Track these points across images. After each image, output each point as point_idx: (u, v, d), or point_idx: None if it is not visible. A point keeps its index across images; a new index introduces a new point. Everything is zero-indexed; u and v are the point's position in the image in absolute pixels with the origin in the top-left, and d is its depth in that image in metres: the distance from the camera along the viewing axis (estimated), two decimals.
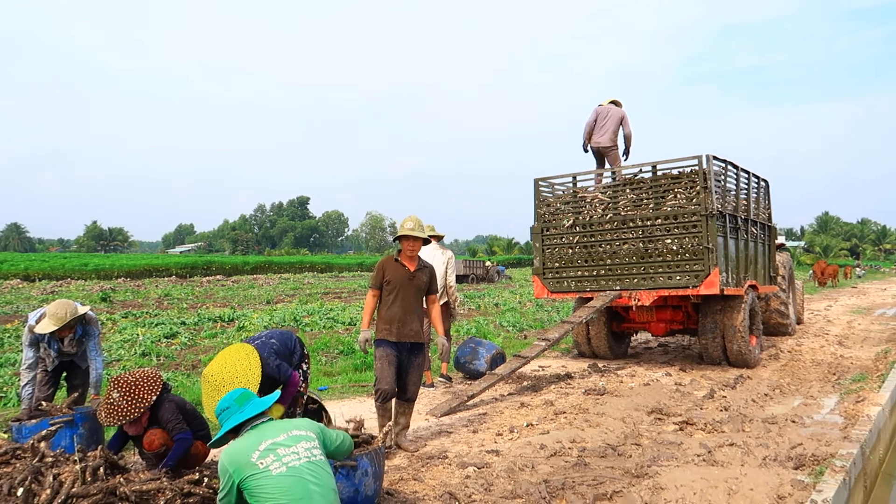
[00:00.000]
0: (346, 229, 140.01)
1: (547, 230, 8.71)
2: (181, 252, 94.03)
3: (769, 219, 9.85)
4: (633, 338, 10.58)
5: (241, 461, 2.77)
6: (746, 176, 8.67)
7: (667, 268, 7.79)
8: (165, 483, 3.44)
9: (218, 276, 45.88)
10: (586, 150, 9.33)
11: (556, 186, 8.84)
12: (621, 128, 8.98)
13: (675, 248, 7.71)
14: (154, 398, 3.87)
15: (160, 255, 70.61)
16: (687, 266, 7.64)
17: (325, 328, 13.97)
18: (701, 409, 6.17)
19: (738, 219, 8.27)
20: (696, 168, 7.60)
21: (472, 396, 6.20)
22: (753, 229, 8.84)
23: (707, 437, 5.37)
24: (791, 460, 4.56)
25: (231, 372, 3.60)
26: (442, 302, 7.18)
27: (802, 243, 78.96)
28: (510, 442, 5.10)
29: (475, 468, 4.43)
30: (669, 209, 7.77)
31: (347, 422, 4.14)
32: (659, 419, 5.77)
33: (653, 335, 9.57)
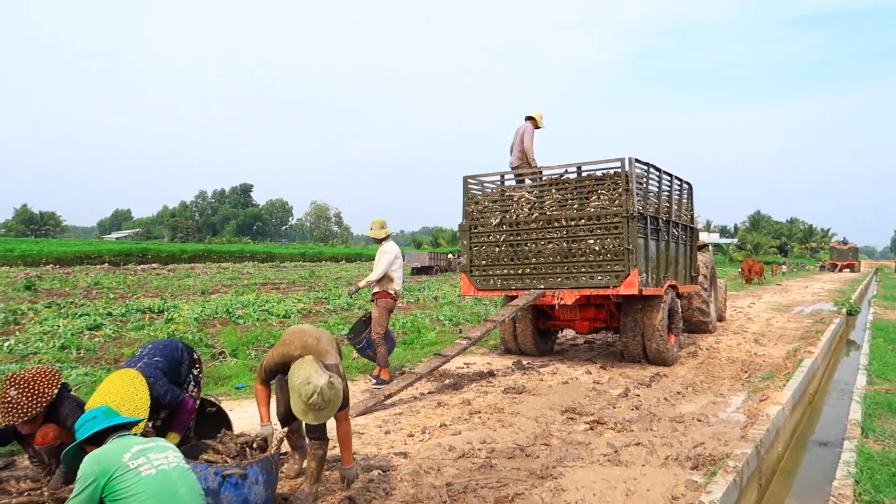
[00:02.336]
0: (290, 218, 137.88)
1: (475, 228, 8.74)
2: (117, 238, 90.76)
3: (691, 220, 10.14)
4: (560, 334, 10.74)
5: (110, 461, 2.68)
6: (669, 179, 8.89)
7: (589, 268, 7.92)
8: (46, 495, 3.29)
9: (154, 265, 44.59)
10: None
11: (485, 184, 8.87)
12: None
13: (597, 248, 7.85)
14: (55, 392, 3.70)
15: (93, 241, 67.91)
16: (608, 266, 7.79)
17: (258, 321, 13.68)
18: (614, 407, 6.31)
19: (660, 220, 8.47)
20: (619, 170, 7.74)
21: (389, 396, 6.17)
22: (675, 231, 9.08)
23: (616, 436, 5.49)
24: (690, 460, 4.70)
25: (116, 401, 3.43)
26: (384, 289, 7.32)
27: (735, 240, 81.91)
28: (420, 443, 5.09)
29: (380, 472, 4.40)
30: (593, 210, 7.90)
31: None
32: (571, 419, 5.87)
33: (577, 333, 9.74)
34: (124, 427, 2.92)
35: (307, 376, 3.42)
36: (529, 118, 9.35)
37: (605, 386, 7.25)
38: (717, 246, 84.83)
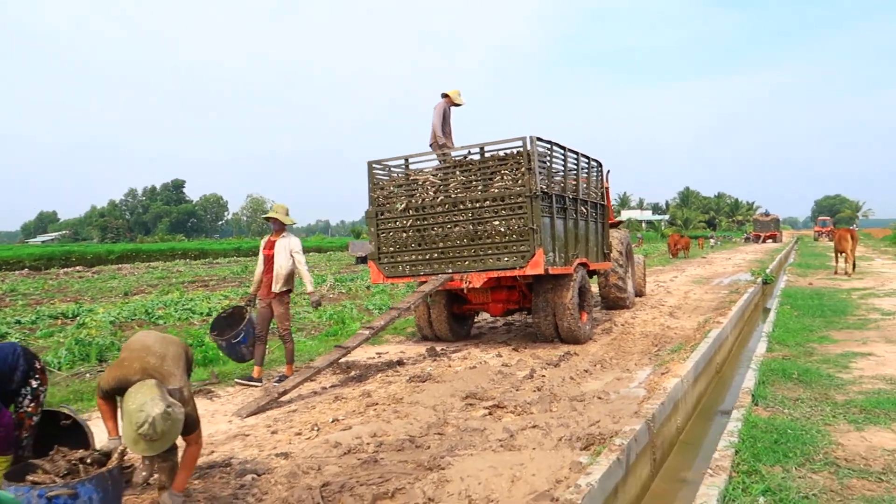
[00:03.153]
0: (225, 213, 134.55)
1: (381, 214, 8.50)
2: (43, 242, 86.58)
3: (602, 198, 10.17)
4: (479, 318, 10.65)
5: None
6: (575, 157, 8.85)
7: (496, 249, 7.81)
8: None
9: (78, 268, 42.60)
10: None
11: (390, 169, 8.63)
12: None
13: (502, 229, 7.74)
14: None
15: (13, 246, 64.40)
16: (514, 247, 7.69)
17: (179, 320, 13.21)
18: (517, 390, 6.22)
19: (567, 199, 8.43)
20: (521, 150, 7.62)
21: (284, 393, 5.90)
22: (583, 208, 9.06)
23: (515, 420, 5.39)
24: (581, 440, 4.63)
25: None
26: (289, 287, 6.84)
27: (667, 217, 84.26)
28: (306, 441, 4.86)
29: (254, 475, 4.15)
30: (497, 191, 7.78)
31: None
32: (471, 405, 5.74)
33: (492, 315, 9.65)
34: None
35: (141, 403, 3.12)
36: (445, 95, 9.13)
37: (512, 368, 7.16)
38: (649, 223, 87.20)
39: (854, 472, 3.90)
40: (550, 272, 7.67)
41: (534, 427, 5.09)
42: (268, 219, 6.94)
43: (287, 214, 6.96)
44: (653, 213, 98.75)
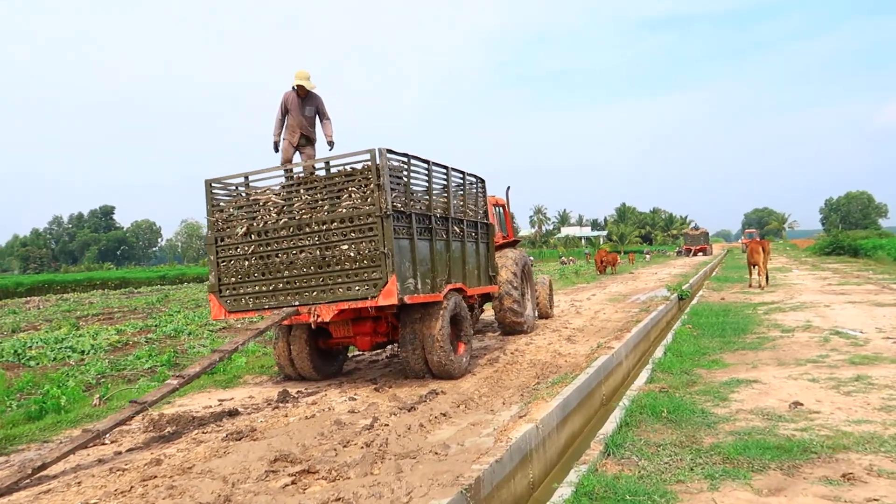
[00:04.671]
0: (159, 239, 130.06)
1: (221, 240, 7.45)
2: None
3: (486, 216, 9.37)
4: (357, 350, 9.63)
5: None
6: (445, 172, 8.01)
7: (346, 277, 6.86)
8: None
9: None
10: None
11: (231, 188, 7.60)
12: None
13: (352, 254, 6.80)
14: None
15: None
16: (365, 274, 6.75)
17: (54, 360, 11.88)
18: (345, 447, 5.23)
19: (433, 218, 7.56)
20: (370, 164, 6.72)
21: (43, 467, 4.76)
22: (457, 228, 8.21)
23: (322, 489, 4.40)
24: None
25: None
26: None
27: (605, 232, 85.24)
28: None
29: None
30: (345, 211, 6.84)
31: None
32: (274, 471, 4.71)
33: (360, 350, 8.67)
34: None
35: None
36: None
37: (357, 416, 6.18)
38: (587, 239, 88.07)
39: None
40: (407, 301, 6.75)
41: (337, 500, 4.12)
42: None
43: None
44: (592, 230, 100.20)
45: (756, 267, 17.29)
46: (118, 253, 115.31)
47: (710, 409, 5.62)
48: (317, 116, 8.24)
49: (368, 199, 6.71)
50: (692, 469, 4.25)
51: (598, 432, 5.07)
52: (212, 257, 7.48)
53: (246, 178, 7.38)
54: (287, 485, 4.49)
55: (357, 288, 6.79)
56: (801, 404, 5.60)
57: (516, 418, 5.62)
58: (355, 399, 6.90)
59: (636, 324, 11.13)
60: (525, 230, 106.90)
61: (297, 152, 8.15)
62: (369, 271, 6.72)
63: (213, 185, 7.48)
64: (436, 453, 4.95)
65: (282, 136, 8.09)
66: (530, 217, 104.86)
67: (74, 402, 7.57)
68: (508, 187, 12.47)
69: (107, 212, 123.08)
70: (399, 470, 4.62)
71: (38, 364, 11.71)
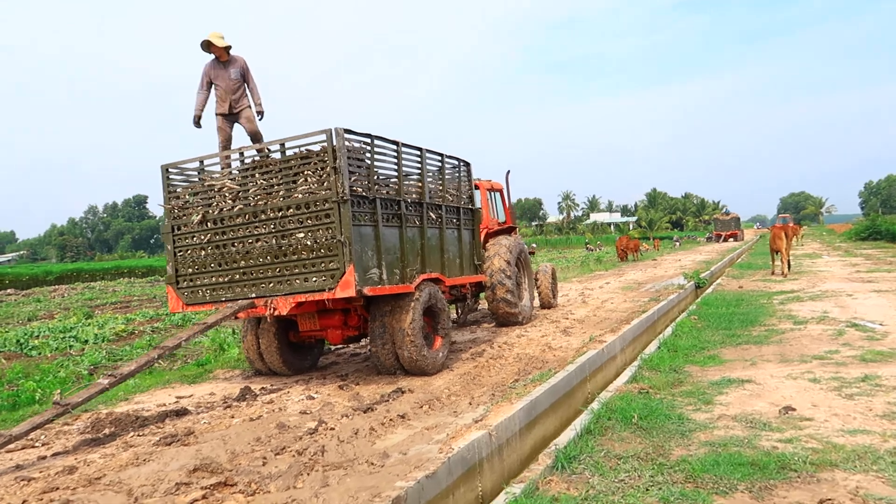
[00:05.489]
0: None
1: (178, 229, 7.03)
2: None
3: (470, 201, 8.80)
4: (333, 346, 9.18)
5: None
6: (419, 154, 7.46)
7: (302, 267, 6.38)
8: None
9: (9, 291, 40.56)
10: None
11: (188, 174, 7.17)
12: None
13: (308, 243, 6.31)
14: None
15: None
16: (322, 264, 6.27)
17: (56, 350, 11.81)
18: (277, 454, 4.77)
19: (403, 203, 7.03)
20: (325, 145, 6.21)
21: None
22: (433, 214, 7.67)
23: (241, 502, 3.96)
24: None
25: None
26: None
27: (634, 218, 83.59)
28: None
29: None
30: (301, 196, 6.35)
31: None
32: (187, 483, 4.27)
33: (333, 344, 8.21)
34: None
35: None
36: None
37: (307, 418, 5.72)
38: (616, 225, 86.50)
39: None
40: (367, 293, 6.24)
41: None
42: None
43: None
44: (622, 216, 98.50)
45: (779, 253, 16.38)
46: (151, 241, 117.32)
47: (689, 415, 5.03)
48: (243, 80, 7.74)
49: (325, 184, 6.21)
50: (647, 490, 3.69)
51: (553, 441, 4.52)
52: (169, 247, 7.07)
53: (201, 162, 6.94)
54: (196, 500, 4.04)
55: (314, 279, 6.31)
56: (794, 409, 4.97)
57: (471, 424, 5.10)
58: (314, 398, 6.44)
59: (640, 314, 10.48)
60: (553, 216, 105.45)
61: (236, 121, 7.70)
62: (326, 261, 6.24)
63: (169, 170, 7.06)
64: (371, 464, 4.45)
65: (214, 111, 7.62)
66: (559, 203, 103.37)
67: (51, 395, 7.31)
68: (508, 171, 11.88)
69: (140, 201, 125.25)
70: (325, 483, 4.15)
71: (39, 354, 11.60)
